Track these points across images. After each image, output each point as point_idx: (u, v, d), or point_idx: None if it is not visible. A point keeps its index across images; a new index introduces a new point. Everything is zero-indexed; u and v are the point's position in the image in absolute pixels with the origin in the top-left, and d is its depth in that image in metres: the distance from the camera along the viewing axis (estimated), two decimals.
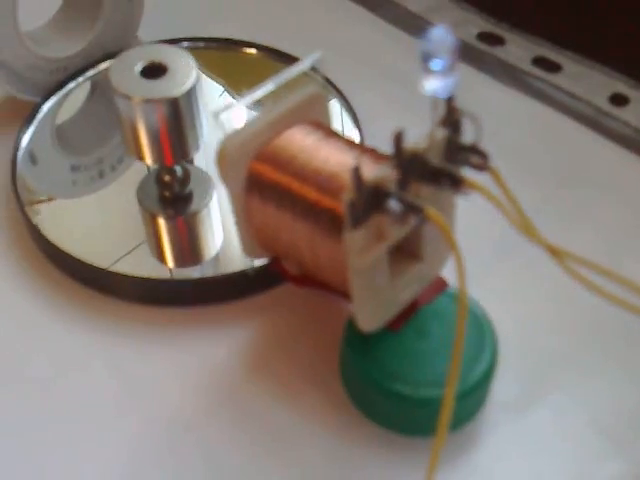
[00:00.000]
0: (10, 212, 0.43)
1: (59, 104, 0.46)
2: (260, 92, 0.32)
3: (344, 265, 0.30)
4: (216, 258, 0.42)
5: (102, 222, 0.43)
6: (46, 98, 0.46)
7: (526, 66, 0.51)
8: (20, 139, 0.44)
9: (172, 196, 0.43)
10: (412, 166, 0.28)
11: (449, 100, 0.28)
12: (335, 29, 0.53)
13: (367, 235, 0.29)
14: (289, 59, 0.47)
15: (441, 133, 0.29)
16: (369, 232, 0.29)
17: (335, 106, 0.46)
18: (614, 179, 0.45)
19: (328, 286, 0.34)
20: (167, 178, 0.43)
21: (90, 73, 0.47)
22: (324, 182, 0.30)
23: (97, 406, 0.36)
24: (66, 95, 0.47)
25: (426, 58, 0.26)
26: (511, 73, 0.51)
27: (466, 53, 0.52)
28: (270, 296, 0.40)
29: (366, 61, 0.51)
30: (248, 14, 0.54)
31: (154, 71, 0.38)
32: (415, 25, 0.53)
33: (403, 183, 0.28)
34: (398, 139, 0.27)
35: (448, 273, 0.34)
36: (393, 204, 0.27)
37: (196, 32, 0.50)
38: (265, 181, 0.32)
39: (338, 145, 0.32)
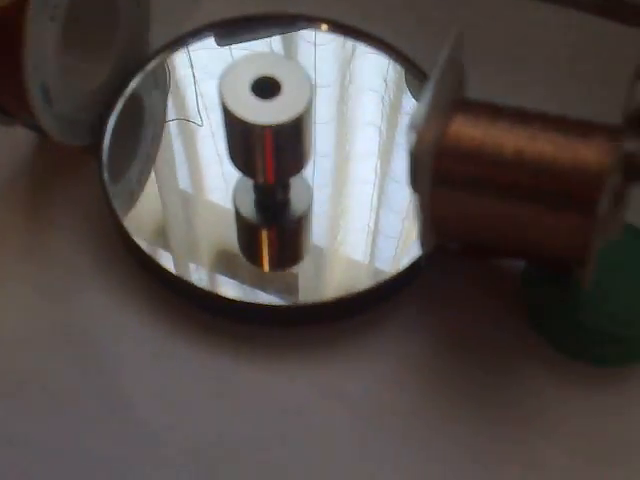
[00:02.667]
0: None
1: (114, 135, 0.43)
2: (430, 83, 0.32)
3: (565, 232, 0.31)
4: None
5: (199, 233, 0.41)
6: (99, 138, 0.42)
7: None
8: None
9: (271, 204, 0.42)
10: None
11: None
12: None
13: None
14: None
15: None
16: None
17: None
18: None
19: (498, 253, 0.37)
20: (269, 188, 0.41)
21: (125, 95, 0.43)
22: (534, 165, 0.31)
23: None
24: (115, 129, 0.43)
25: None
26: None
27: None
28: (400, 300, 0.39)
29: None
30: None
31: (266, 87, 0.36)
32: None
33: None
34: None
35: None
36: None
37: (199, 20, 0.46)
38: (458, 174, 0.33)
39: (514, 123, 0.32)
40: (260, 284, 0.41)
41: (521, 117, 0.33)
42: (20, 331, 0.39)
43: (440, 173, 0.33)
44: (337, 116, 0.44)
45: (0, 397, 0.37)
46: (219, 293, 0.39)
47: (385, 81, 0.45)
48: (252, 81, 0.36)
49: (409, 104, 0.44)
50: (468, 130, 0.32)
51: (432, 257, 0.38)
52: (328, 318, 0.39)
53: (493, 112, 0.33)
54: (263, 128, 0.36)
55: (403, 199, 0.41)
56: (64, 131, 0.40)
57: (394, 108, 0.45)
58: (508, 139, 0.32)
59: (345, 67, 0.46)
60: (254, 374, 0.38)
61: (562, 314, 0.37)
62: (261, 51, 0.45)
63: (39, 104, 0.37)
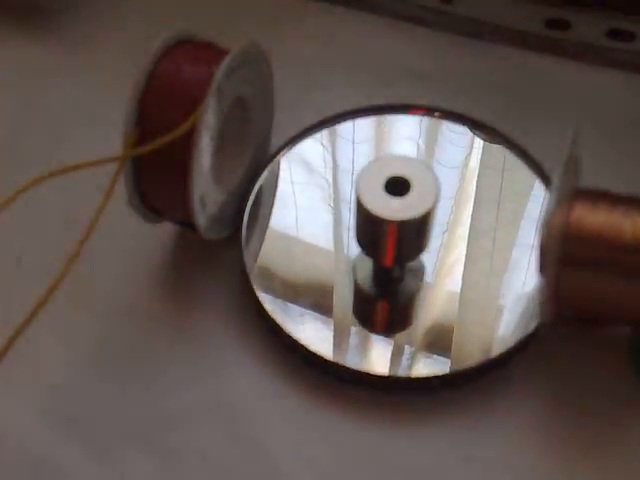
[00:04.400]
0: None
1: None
2: (556, 179, 0.36)
3: None
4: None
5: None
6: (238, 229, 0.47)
7: (601, 41, 0.56)
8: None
9: (388, 277, 0.46)
10: None
11: None
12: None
13: None
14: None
15: None
16: None
17: None
18: None
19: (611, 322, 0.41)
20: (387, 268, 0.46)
21: (256, 188, 0.49)
22: None
23: None
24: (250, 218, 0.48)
25: None
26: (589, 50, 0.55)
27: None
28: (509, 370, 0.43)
29: None
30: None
31: (398, 185, 0.41)
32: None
33: None
34: None
35: None
36: None
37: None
38: (581, 257, 0.37)
39: (629, 209, 0.37)
40: (377, 353, 0.45)
41: (635, 203, 0.37)
42: (175, 408, 0.43)
43: (565, 257, 0.37)
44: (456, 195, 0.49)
45: (157, 471, 0.41)
46: (349, 366, 0.43)
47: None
48: (386, 179, 0.41)
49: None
50: (589, 217, 0.37)
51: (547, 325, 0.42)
52: (449, 386, 0.43)
53: (609, 199, 0.38)
54: (391, 222, 0.41)
55: (516, 271, 0.45)
56: (213, 228, 0.45)
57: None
58: (626, 225, 0.36)
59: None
60: (383, 442, 0.41)
61: None
62: (396, 154, 0.50)
63: (197, 211, 0.42)
